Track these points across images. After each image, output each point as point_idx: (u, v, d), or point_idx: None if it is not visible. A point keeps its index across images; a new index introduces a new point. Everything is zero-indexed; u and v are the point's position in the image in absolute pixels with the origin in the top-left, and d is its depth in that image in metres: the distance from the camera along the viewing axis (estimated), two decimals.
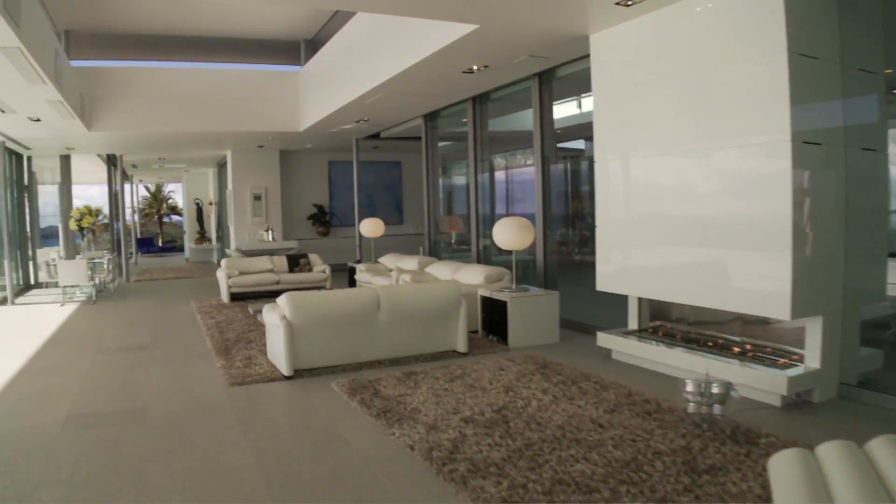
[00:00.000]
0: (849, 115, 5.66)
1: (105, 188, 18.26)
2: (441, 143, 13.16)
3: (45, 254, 14.52)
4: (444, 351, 7.47)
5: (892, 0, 5.96)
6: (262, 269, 12.81)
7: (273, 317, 6.79)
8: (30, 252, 15.74)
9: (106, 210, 17.62)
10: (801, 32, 5.23)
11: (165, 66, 14.31)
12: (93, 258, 13.60)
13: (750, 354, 6.03)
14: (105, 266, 13.76)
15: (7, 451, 4.74)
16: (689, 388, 4.80)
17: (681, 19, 6.14)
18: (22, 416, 5.59)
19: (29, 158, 16.10)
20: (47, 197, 17.87)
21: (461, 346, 7.47)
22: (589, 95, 7.60)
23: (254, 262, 12.91)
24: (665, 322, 7.21)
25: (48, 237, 17.82)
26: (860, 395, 5.49)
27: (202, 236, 24.55)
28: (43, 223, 17.64)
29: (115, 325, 10.25)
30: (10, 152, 14.33)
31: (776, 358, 5.83)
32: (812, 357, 5.50)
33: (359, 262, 13.74)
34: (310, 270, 13.09)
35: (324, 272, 13.04)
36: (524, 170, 11.18)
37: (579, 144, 12.09)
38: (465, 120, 11.41)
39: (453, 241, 13.10)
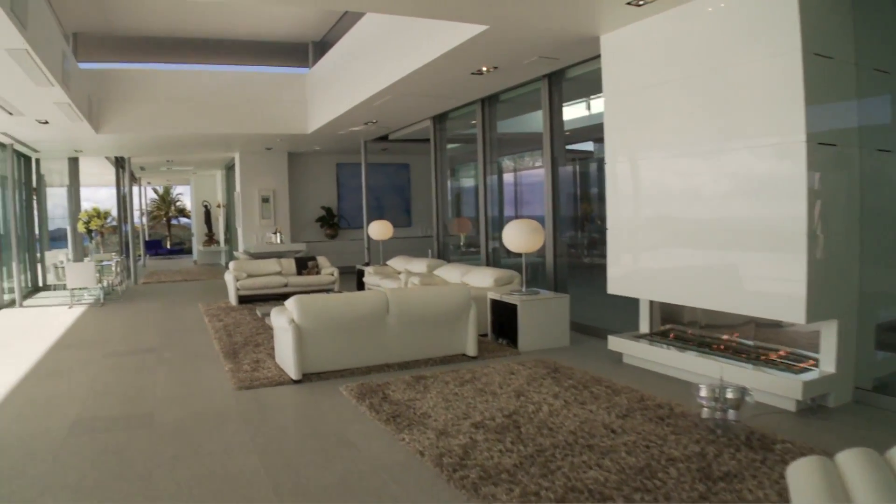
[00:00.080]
0: (863, 115, 5.58)
1: (113, 190, 18.26)
2: (450, 146, 13.11)
3: (54, 256, 14.55)
4: (453, 354, 7.41)
5: None
6: (270, 271, 12.79)
7: (281, 320, 6.74)
8: (38, 254, 15.76)
9: (114, 212, 17.61)
10: (815, 32, 5.15)
11: (173, 68, 14.30)
12: (101, 260, 13.60)
13: (762, 358, 5.95)
14: (113, 268, 13.76)
15: (14, 456, 4.70)
16: (703, 393, 4.73)
17: (693, 19, 6.07)
18: (29, 420, 5.56)
19: (37, 161, 16.13)
20: (56, 199, 17.90)
21: (471, 349, 7.41)
22: (598, 97, 7.55)
23: (262, 264, 12.90)
24: (676, 325, 7.13)
25: (57, 239, 17.85)
26: (876, 400, 5.41)
27: (210, 238, 24.55)
28: (51, 225, 17.68)
29: (122, 327, 10.23)
30: (19, 155, 14.35)
31: (790, 362, 5.75)
32: (827, 361, 5.42)
33: (367, 264, 13.71)
34: (318, 273, 13.05)
35: (332, 275, 13.00)
36: (533, 172, 11.12)
37: (588, 146, 12.04)
38: (473, 122, 11.36)
39: (462, 244, 13.05)
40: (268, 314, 8.32)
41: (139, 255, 21.21)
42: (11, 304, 12.81)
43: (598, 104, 9.30)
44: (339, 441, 4.88)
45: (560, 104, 9.15)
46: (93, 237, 14.48)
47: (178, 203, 32.78)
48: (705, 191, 6.08)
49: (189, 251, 28.56)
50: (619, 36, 6.97)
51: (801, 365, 5.62)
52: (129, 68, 13.87)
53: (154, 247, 29.35)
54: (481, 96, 10.77)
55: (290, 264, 13.08)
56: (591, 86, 8.64)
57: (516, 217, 10.49)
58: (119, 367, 7.46)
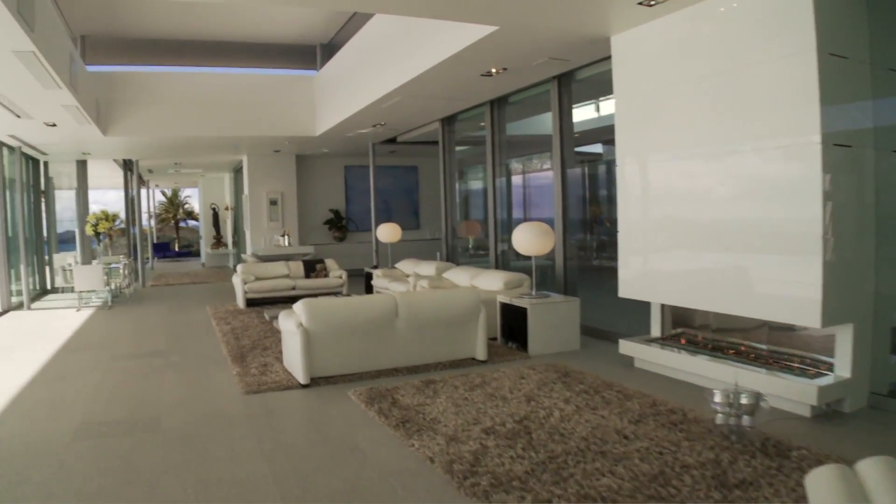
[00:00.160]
0: (879, 116, 5.50)
1: (122, 193, 18.27)
2: (458, 148, 13.06)
3: (62, 259, 14.56)
4: (462, 359, 7.35)
5: None
6: (278, 274, 12.77)
7: (289, 324, 6.69)
8: (46, 257, 15.77)
9: (122, 215, 17.62)
10: (830, 31, 5.08)
11: (181, 70, 14.27)
12: (109, 263, 13.59)
13: (771, 362, 5.86)
14: (121, 271, 13.75)
15: (19, 461, 4.66)
16: (718, 398, 4.66)
17: (705, 19, 6.00)
18: (34, 424, 5.52)
19: (45, 164, 16.15)
20: (65, 202, 17.92)
21: (480, 353, 7.34)
22: (608, 98, 7.48)
23: (270, 267, 12.88)
24: (688, 329, 7.05)
25: (65, 242, 17.87)
26: (892, 405, 5.33)
27: (218, 241, 24.55)
28: (60, 228, 17.69)
29: (130, 330, 10.20)
30: (27, 157, 14.36)
31: (803, 367, 5.67)
32: (842, 366, 5.34)
33: (375, 267, 13.65)
34: (326, 276, 13.02)
35: (340, 278, 12.97)
36: (541, 174, 11.05)
37: (596, 148, 11.97)
38: (482, 124, 11.30)
39: (470, 246, 12.99)
40: (276, 317, 8.26)
41: (147, 258, 21.20)
42: (19, 306, 12.81)
43: (606, 106, 9.24)
44: (347, 447, 4.82)
45: (570, 106, 9.08)
46: (101, 240, 14.46)
47: (186, 206, 32.83)
48: (718, 192, 6.00)
49: (197, 254, 28.61)
50: (630, 36, 6.90)
51: (815, 370, 5.55)
52: (137, 71, 13.87)
53: (162, 249, 29.38)
54: (490, 98, 10.72)
55: (298, 267, 13.05)
56: (601, 87, 8.58)
57: (525, 219, 10.44)
58: (126, 370, 7.42)
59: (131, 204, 18.41)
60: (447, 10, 6.41)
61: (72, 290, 13.15)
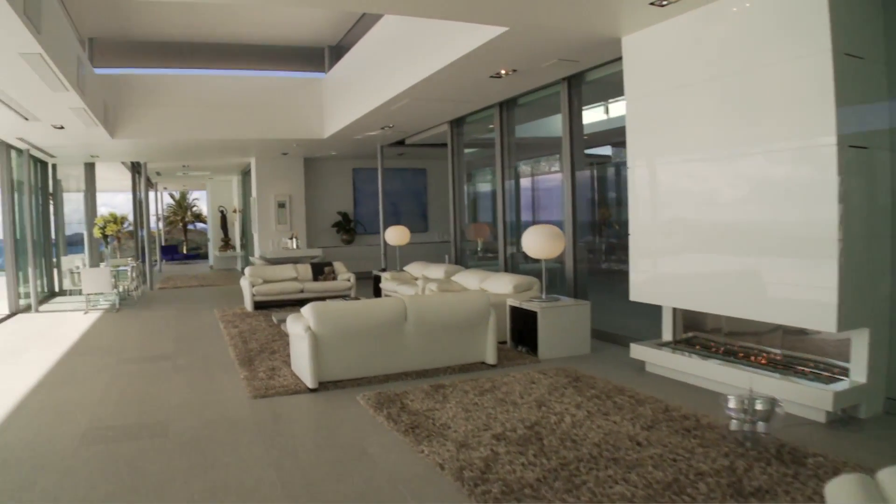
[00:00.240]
0: (895, 117, 5.41)
1: (130, 195, 18.29)
2: (467, 150, 13.00)
3: (70, 261, 14.55)
4: (472, 363, 7.28)
5: None
6: (286, 277, 12.74)
7: (297, 328, 6.63)
8: (54, 259, 15.78)
9: (130, 217, 17.64)
10: (845, 31, 5.01)
11: (189, 73, 14.26)
12: (117, 266, 13.59)
13: (782, 366, 5.78)
14: (129, 274, 13.74)
15: (24, 466, 4.61)
16: (732, 404, 4.58)
17: (718, 19, 5.93)
18: (40, 429, 5.47)
19: (53, 166, 16.18)
20: (73, 204, 17.95)
21: (490, 357, 7.28)
22: (618, 100, 7.41)
23: (278, 270, 12.85)
24: (699, 332, 6.97)
25: (73, 244, 17.88)
26: None
27: (226, 244, 24.56)
28: (68, 230, 17.72)
29: (137, 333, 10.17)
30: (35, 160, 14.36)
31: (817, 371, 5.59)
32: (858, 371, 5.25)
33: (384, 270, 13.61)
34: (334, 279, 12.98)
35: (348, 280, 12.92)
36: (550, 176, 11.00)
37: (606, 150, 11.92)
38: (491, 126, 11.24)
39: (479, 249, 12.93)
40: (284, 320, 8.23)
41: (155, 261, 21.24)
42: (27, 309, 12.80)
43: (616, 108, 9.18)
44: (356, 453, 4.76)
45: (580, 108, 9.00)
46: (109, 242, 14.45)
47: (194, 208, 32.90)
48: (731, 195, 5.93)
49: (205, 256, 28.65)
50: (641, 37, 6.84)
51: (829, 374, 5.47)
52: (145, 73, 13.89)
53: (170, 252, 29.44)
54: (500, 100, 10.66)
55: (306, 270, 13.02)
56: (611, 89, 8.52)
57: (534, 222, 10.37)
58: (133, 374, 7.38)
59: (139, 206, 18.44)
60: (456, 10, 6.35)
61: (80, 292, 13.15)
